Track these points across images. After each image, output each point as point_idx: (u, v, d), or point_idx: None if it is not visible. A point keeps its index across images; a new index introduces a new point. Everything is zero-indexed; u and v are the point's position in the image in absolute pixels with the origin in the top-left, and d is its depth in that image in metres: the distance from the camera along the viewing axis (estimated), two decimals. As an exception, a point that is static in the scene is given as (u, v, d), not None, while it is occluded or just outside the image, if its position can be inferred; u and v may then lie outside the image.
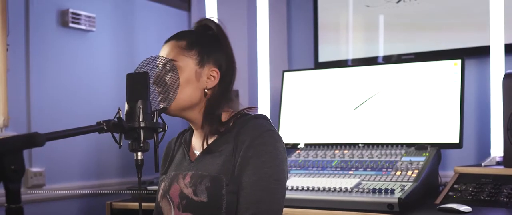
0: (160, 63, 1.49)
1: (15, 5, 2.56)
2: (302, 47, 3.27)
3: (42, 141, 1.04)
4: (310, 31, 3.22)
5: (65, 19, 2.73)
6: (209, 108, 1.50)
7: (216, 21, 1.56)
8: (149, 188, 2.42)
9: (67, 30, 2.76)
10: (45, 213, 2.61)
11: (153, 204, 2.33)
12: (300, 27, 3.29)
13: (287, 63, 3.26)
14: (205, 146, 1.51)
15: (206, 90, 1.49)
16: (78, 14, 2.77)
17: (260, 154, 1.42)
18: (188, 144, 1.61)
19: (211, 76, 1.50)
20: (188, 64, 1.48)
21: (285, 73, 2.81)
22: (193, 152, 1.57)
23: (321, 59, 3.16)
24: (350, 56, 3.08)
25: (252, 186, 1.40)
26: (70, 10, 2.73)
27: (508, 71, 2.21)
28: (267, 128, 1.46)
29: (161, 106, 1.45)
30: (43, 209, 2.60)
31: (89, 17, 2.83)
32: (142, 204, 2.39)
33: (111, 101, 2.96)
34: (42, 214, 2.60)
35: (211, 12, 3.14)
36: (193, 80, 1.48)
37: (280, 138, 1.48)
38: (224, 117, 1.53)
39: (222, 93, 1.52)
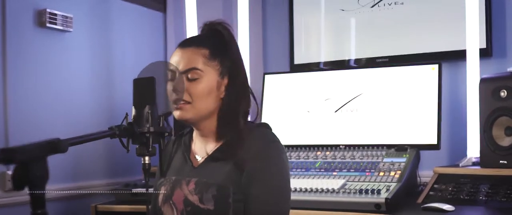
0: (182, 68, 1.48)
1: (-9, 4, 2.51)
2: (277, 49, 3.31)
3: (65, 147, 1.06)
4: (285, 34, 3.27)
5: (42, 19, 2.68)
6: (226, 117, 1.51)
7: (227, 27, 1.55)
8: (134, 190, 2.42)
9: (44, 30, 2.71)
10: (24, 217, 2.56)
11: (140, 206, 2.34)
12: (275, 30, 3.32)
13: (263, 66, 3.30)
14: (209, 152, 1.53)
15: (223, 99, 1.51)
16: (55, 14, 2.73)
17: (267, 166, 1.45)
18: (188, 147, 1.60)
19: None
20: (212, 75, 1.49)
21: (266, 76, 2.85)
22: (195, 157, 1.57)
23: (297, 61, 3.21)
24: (322, 59, 3.14)
25: (262, 198, 1.43)
26: (47, 10, 2.69)
27: (484, 76, 2.31)
28: (272, 139, 1.50)
29: (178, 113, 1.46)
30: (22, 213, 2.55)
31: (66, 17, 2.79)
32: (127, 206, 2.40)
33: (88, 100, 2.94)
34: (21, 218, 2.55)
35: (189, 14, 3.15)
36: (214, 91, 1.49)
37: (283, 149, 1.51)
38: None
39: (238, 101, 1.53)
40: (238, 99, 1.53)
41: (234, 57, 1.54)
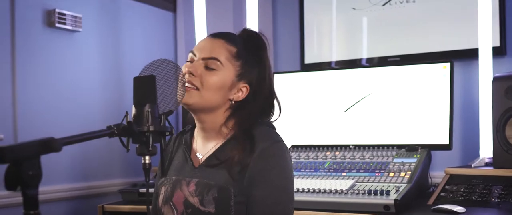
0: (204, 55, 1.47)
1: (0, 4, 2.51)
2: (288, 48, 3.29)
3: (59, 146, 1.03)
4: (296, 33, 3.24)
5: (51, 19, 2.69)
6: (242, 125, 1.48)
7: (262, 37, 1.55)
8: (141, 190, 2.40)
9: (53, 30, 2.71)
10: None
11: (144, 206, 2.32)
12: (285, 29, 3.30)
13: (273, 65, 3.27)
14: (211, 152, 1.50)
15: (231, 101, 1.49)
16: (64, 14, 2.72)
17: (271, 167, 1.41)
18: (189, 146, 1.57)
19: (240, 90, 1.50)
20: (229, 72, 1.47)
21: (275, 75, 2.81)
22: (196, 156, 1.54)
23: (307, 61, 3.18)
24: (334, 58, 3.11)
25: (265, 199, 1.40)
26: (57, 10, 2.68)
27: (497, 74, 2.25)
28: (275, 139, 1.46)
29: (183, 97, 1.43)
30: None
31: (75, 17, 2.78)
32: (134, 206, 2.39)
33: (98, 101, 2.94)
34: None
35: (199, 13, 3.13)
36: (226, 88, 1.47)
37: (287, 149, 1.48)
38: (229, 124, 1.51)
39: (254, 111, 1.50)
40: (258, 112, 1.51)
41: (262, 72, 1.52)
